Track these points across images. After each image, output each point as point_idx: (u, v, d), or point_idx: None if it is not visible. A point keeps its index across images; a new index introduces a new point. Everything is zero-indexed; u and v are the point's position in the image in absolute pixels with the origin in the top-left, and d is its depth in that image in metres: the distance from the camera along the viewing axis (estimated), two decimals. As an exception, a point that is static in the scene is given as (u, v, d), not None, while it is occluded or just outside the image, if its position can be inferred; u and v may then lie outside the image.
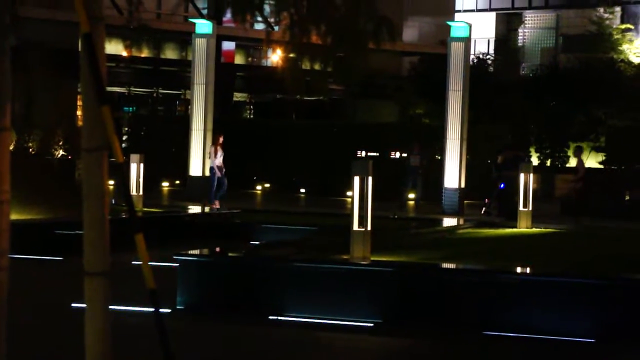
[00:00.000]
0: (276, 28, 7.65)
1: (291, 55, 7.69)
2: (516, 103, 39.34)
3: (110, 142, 4.95)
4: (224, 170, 28.55)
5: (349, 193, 16.21)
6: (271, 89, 47.54)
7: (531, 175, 22.18)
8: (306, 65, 7.95)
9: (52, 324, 12.22)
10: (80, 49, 5.01)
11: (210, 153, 28.66)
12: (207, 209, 26.33)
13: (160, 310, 5.46)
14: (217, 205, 27.43)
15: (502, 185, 27.63)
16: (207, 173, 31.44)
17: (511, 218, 22.61)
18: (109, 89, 47.36)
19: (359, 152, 36.80)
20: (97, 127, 4.92)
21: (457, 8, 60.14)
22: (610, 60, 46.63)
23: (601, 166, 38.22)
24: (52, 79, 26.43)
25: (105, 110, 4.91)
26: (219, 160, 28.37)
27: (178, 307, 13.20)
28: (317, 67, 7.68)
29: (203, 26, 31.84)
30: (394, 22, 7.77)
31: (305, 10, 6.30)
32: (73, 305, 12.22)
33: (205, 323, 12.61)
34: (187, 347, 10.92)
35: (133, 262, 11.10)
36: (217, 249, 16.66)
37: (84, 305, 5.27)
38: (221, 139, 28.70)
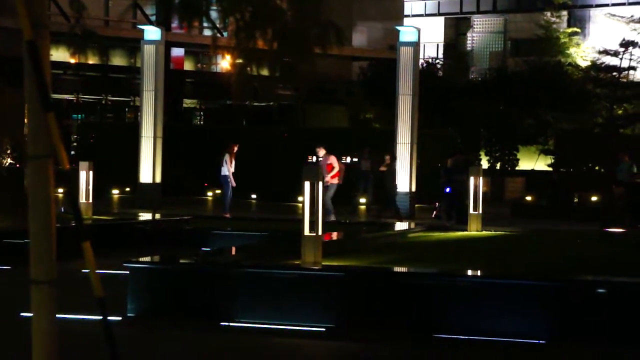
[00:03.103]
0: (225, 34, 7.66)
1: (239, 61, 7.71)
2: (465, 107, 39.60)
3: (56, 149, 4.92)
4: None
5: (299, 198, 16.23)
6: (221, 95, 47.48)
7: (481, 178, 22.30)
8: (255, 72, 7.96)
9: (0, 334, 12.09)
10: (24, 56, 4.97)
11: (225, 162, 28.21)
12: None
13: (110, 318, 5.43)
14: (228, 214, 27.26)
15: (447, 189, 27.82)
16: (157, 180, 31.29)
17: (464, 223, 22.69)
18: (57, 96, 47.04)
19: (309, 157, 36.86)
20: (42, 134, 4.89)
21: (405, 13, 60.47)
22: (557, 63, 47.12)
23: (550, 169, 38.57)
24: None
25: (50, 117, 4.88)
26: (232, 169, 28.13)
27: (129, 314, 13.13)
28: (265, 72, 7.71)
29: (152, 32, 31.72)
30: (342, 27, 7.82)
31: (251, 16, 6.31)
32: (22, 314, 12.10)
33: (156, 330, 12.55)
34: (138, 354, 10.85)
35: (83, 271, 11.02)
36: (168, 256, 16.58)
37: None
38: (236, 148, 28.41)
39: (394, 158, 28.87)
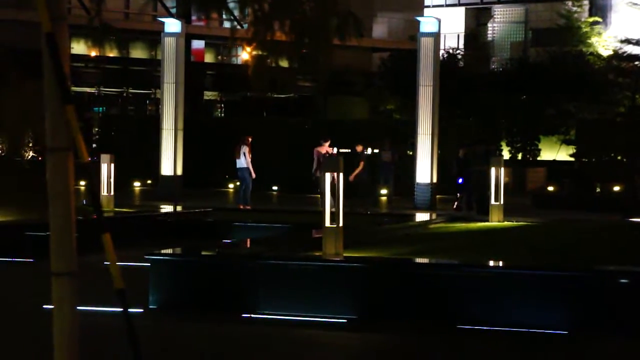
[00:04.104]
0: (245, 26, 7.63)
1: (258, 52, 7.68)
2: (486, 97, 39.45)
3: (75, 142, 4.93)
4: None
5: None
6: (241, 87, 47.48)
7: (502, 169, 22.22)
8: (274, 63, 7.94)
9: (23, 326, 12.14)
10: (43, 49, 4.98)
11: (244, 154, 28.14)
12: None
13: (131, 310, 5.44)
14: (249, 206, 27.27)
15: (460, 180, 27.78)
16: (178, 172, 31.32)
17: (486, 213, 22.59)
18: (78, 89, 47.07)
19: (331, 148, 36.77)
20: (61, 127, 4.90)
21: (426, 3, 60.23)
22: (579, 53, 46.87)
23: (572, 159, 38.40)
24: (19, 80, 26.32)
25: (70, 110, 4.89)
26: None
27: (150, 306, 13.16)
28: (284, 64, 7.69)
29: (172, 25, 31.75)
30: (361, 18, 7.78)
31: (269, 6, 6.30)
32: (45, 307, 12.14)
33: (177, 322, 12.58)
34: (159, 346, 10.88)
35: (105, 263, 11.04)
36: (189, 248, 16.61)
37: (54, 306, 5.24)
38: (250, 139, 28.43)
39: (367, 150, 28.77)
